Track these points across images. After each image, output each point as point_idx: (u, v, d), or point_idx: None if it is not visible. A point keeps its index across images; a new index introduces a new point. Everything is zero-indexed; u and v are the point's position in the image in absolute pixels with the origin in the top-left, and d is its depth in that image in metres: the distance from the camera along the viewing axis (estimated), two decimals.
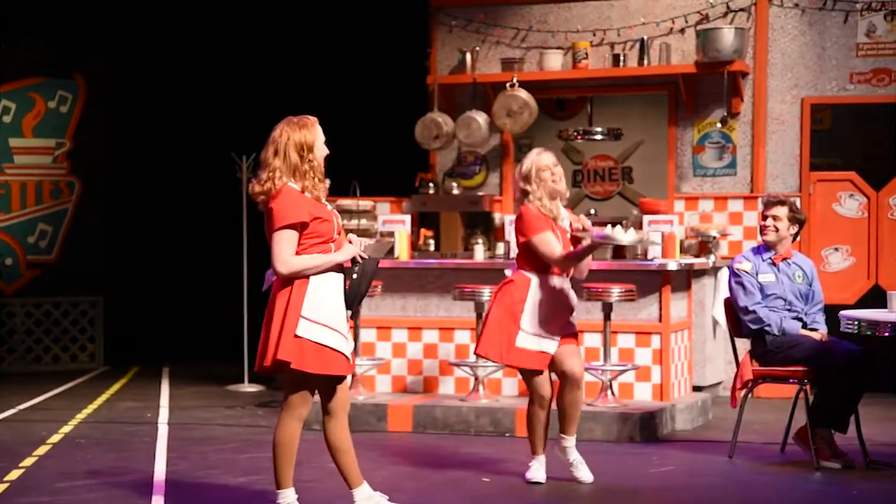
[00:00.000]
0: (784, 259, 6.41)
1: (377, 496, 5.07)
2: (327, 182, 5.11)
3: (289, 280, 4.77)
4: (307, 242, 4.79)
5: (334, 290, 4.82)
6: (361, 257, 4.88)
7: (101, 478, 5.89)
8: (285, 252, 4.74)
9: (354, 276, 4.86)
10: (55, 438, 6.99)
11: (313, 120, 5.08)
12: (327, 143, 5.16)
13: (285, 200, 4.78)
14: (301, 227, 4.76)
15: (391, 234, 8.33)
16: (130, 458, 6.43)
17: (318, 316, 4.75)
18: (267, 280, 5.34)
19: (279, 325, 4.76)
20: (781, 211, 6.36)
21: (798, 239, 6.64)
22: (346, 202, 9.05)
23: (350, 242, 4.91)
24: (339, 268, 4.85)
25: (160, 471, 6.02)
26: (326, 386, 4.92)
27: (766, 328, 6.24)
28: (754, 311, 6.26)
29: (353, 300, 4.88)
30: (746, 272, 6.34)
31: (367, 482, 5.05)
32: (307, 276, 4.75)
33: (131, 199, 11.54)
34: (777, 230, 6.35)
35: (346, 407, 4.97)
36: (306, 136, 4.97)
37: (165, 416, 7.89)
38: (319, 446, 6.74)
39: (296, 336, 4.73)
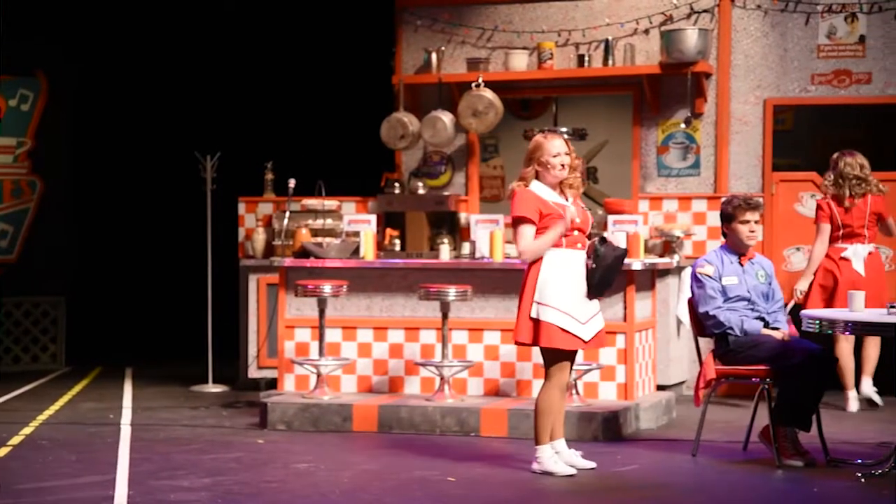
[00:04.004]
0: (748, 259, 6.47)
1: (570, 453, 5.97)
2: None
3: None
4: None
5: (566, 276, 5.74)
6: (598, 249, 5.70)
7: (63, 479, 5.84)
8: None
9: (593, 265, 5.71)
10: (17, 440, 6.92)
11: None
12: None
13: None
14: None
15: (356, 234, 8.31)
16: (93, 459, 6.38)
17: (546, 299, 5.73)
18: None
19: (519, 309, 5.84)
20: (758, 214, 6.43)
21: (760, 238, 6.70)
22: (312, 202, 9.03)
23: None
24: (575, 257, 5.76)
25: (123, 472, 5.98)
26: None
27: (729, 331, 6.30)
28: (714, 317, 6.30)
29: (589, 288, 5.75)
30: (709, 276, 6.38)
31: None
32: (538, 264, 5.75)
33: (94, 199, 11.45)
34: (759, 234, 6.44)
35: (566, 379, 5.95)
36: None
37: (128, 417, 7.83)
38: (285, 446, 6.75)
39: (529, 318, 5.79)
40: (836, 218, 7.94)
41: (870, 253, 7.97)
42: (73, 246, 11.10)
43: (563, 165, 5.83)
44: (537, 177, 5.86)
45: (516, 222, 5.84)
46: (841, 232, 7.95)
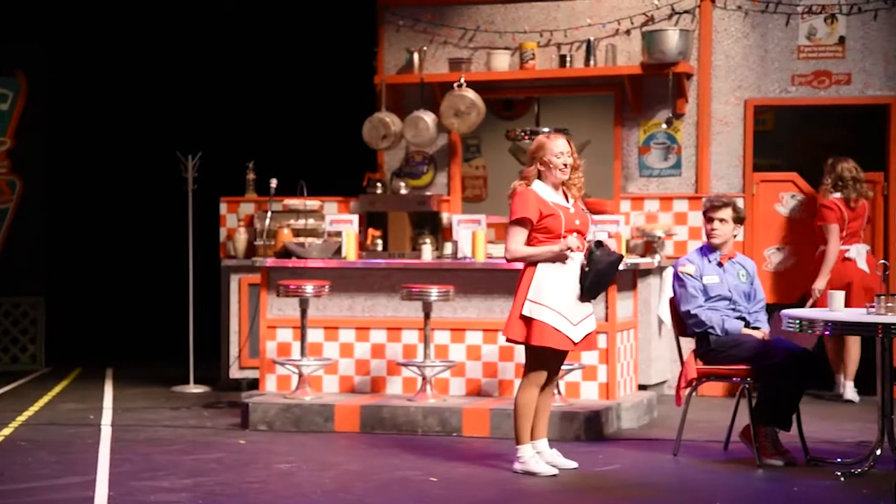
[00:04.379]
0: (729, 258, 6.50)
1: (551, 453, 5.99)
2: None
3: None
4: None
5: (561, 277, 5.77)
6: (592, 253, 5.75)
7: (43, 481, 5.81)
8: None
9: (586, 268, 5.76)
10: None
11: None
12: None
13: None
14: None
15: (339, 234, 8.30)
16: (73, 460, 6.35)
17: (541, 299, 5.75)
18: None
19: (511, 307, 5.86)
20: (726, 213, 6.45)
21: (740, 238, 6.74)
22: (294, 202, 9.01)
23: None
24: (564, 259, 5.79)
25: (103, 473, 5.95)
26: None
27: (710, 330, 6.32)
28: (696, 315, 6.33)
29: (581, 290, 5.80)
30: (690, 275, 6.41)
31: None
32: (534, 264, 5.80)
33: (74, 199, 11.40)
34: (724, 232, 6.44)
35: (554, 378, 6.05)
36: None
37: (109, 417, 7.80)
38: (266, 447, 6.73)
39: (521, 316, 5.78)
40: (845, 219, 8.23)
41: (868, 252, 8.30)
42: (53, 246, 11.04)
43: (565, 165, 5.87)
44: (539, 176, 5.87)
45: (512, 222, 5.86)
46: (845, 232, 8.25)
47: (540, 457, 5.96)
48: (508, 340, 5.96)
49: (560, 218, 5.81)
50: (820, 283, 8.21)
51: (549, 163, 5.84)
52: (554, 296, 5.77)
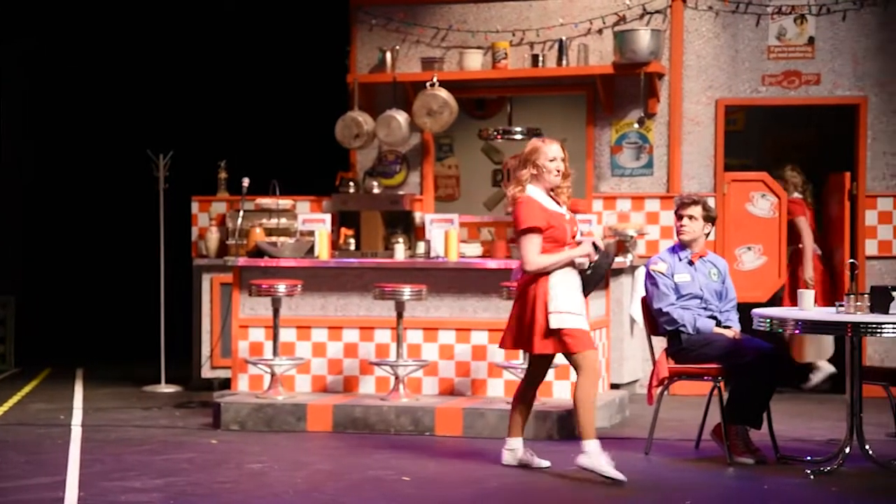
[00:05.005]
0: (700, 257, 6.54)
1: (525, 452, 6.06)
2: None
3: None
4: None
5: (571, 281, 5.87)
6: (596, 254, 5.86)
7: (12, 481, 5.77)
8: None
9: (588, 271, 5.89)
10: None
11: None
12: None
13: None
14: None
15: (311, 233, 8.29)
16: (43, 460, 6.31)
17: (561, 307, 5.80)
18: None
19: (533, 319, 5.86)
20: (696, 210, 6.49)
21: (712, 238, 6.78)
22: (266, 201, 8.98)
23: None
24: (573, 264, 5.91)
25: (74, 473, 5.92)
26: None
27: (681, 328, 6.36)
28: (668, 313, 6.37)
29: (586, 289, 5.93)
30: (662, 273, 6.45)
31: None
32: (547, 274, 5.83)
33: (45, 197, 11.32)
34: (692, 229, 6.48)
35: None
36: None
37: (79, 417, 7.75)
38: (238, 447, 6.71)
39: (548, 329, 5.80)
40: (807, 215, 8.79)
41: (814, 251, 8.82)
42: (23, 245, 10.96)
43: (558, 171, 5.91)
44: (531, 180, 5.88)
45: (525, 231, 5.84)
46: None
47: (513, 454, 5.99)
48: (538, 355, 5.97)
49: (565, 228, 5.90)
50: (808, 273, 8.66)
51: (542, 167, 5.88)
52: (570, 300, 5.85)
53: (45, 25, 10.90)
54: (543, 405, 7.11)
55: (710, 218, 6.54)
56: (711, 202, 8.73)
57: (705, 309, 6.45)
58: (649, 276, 6.49)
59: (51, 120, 11.27)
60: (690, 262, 6.50)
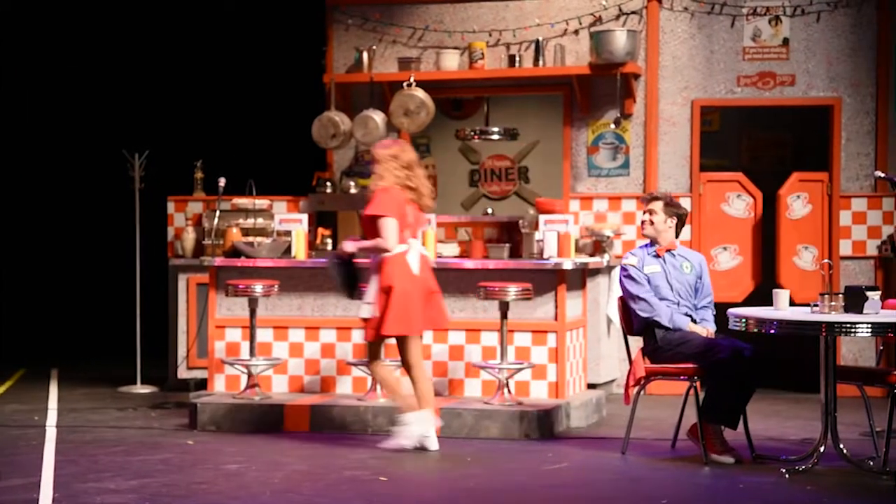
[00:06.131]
0: (668, 251, 6.58)
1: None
2: None
3: None
4: None
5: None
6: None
7: None
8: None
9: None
10: None
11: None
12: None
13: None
14: None
15: (288, 233, 8.27)
16: (17, 462, 6.27)
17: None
18: None
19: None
20: (656, 205, 6.56)
21: (687, 237, 6.81)
22: (243, 201, 8.95)
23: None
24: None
25: (48, 475, 5.88)
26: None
27: (656, 317, 6.40)
28: (644, 299, 6.43)
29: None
30: (633, 265, 6.54)
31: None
32: None
33: (19, 196, 11.24)
34: (653, 223, 6.55)
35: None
36: None
37: (54, 418, 7.70)
38: (215, 447, 6.68)
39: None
40: None
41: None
42: None
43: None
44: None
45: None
46: None
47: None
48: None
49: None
50: None
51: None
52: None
53: (20, 20, 10.82)
54: (520, 405, 7.12)
55: (674, 213, 6.57)
56: (687, 202, 8.80)
57: (679, 306, 6.49)
58: (623, 270, 6.59)
59: (25, 119, 11.19)
60: (657, 256, 6.57)
